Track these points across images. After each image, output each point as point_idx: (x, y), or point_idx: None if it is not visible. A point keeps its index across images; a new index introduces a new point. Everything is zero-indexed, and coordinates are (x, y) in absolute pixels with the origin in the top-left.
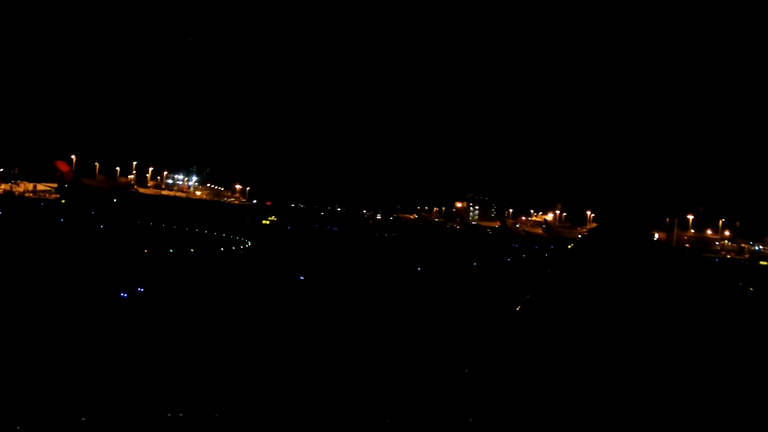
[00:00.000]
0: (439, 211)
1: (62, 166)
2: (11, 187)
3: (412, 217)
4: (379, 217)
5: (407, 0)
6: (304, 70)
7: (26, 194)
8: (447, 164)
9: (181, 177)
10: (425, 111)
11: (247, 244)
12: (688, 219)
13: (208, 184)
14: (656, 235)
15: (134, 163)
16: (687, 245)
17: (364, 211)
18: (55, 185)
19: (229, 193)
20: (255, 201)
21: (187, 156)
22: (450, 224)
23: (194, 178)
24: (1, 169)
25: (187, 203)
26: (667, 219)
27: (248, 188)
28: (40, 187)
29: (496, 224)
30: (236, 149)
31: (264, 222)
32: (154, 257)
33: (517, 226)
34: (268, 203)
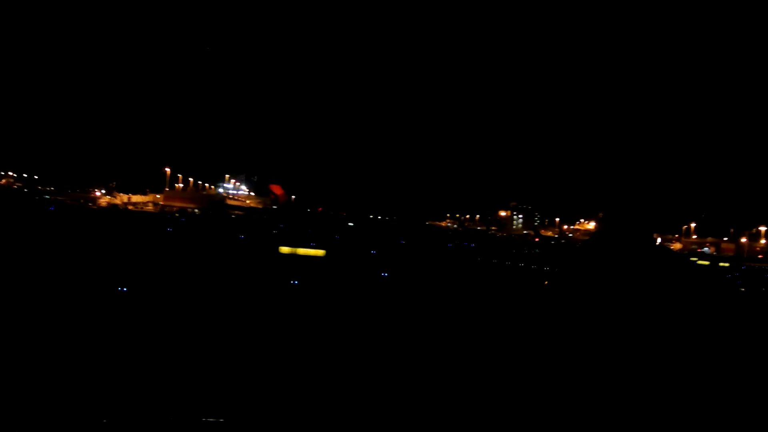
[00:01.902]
0: (471, 218)
1: (277, 190)
2: (110, 200)
3: (444, 224)
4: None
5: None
6: (333, 79)
7: (128, 206)
8: (480, 171)
9: (230, 186)
10: (454, 116)
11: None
12: (761, 230)
13: (251, 193)
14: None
15: (227, 176)
16: (760, 256)
17: (428, 222)
18: (150, 197)
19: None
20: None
21: (229, 165)
22: (499, 233)
23: (243, 188)
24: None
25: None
26: (732, 230)
27: (293, 196)
28: (135, 198)
29: (550, 233)
30: (276, 157)
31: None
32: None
33: (570, 235)
34: (320, 209)
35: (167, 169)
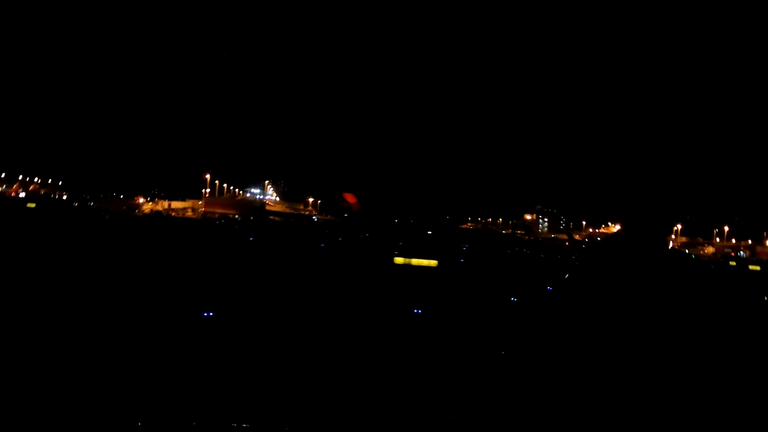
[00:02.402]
0: (493, 222)
1: (350, 198)
2: (153, 207)
3: (467, 227)
4: None
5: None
6: (357, 86)
7: (171, 213)
8: (502, 175)
9: (257, 191)
10: (479, 120)
11: None
12: None
13: (277, 198)
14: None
15: (266, 182)
16: None
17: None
18: (190, 203)
19: (301, 206)
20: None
21: (256, 170)
22: (526, 236)
23: (270, 192)
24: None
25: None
26: (765, 233)
27: (319, 201)
28: (175, 204)
29: (577, 237)
30: (302, 161)
31: None
32: None
33: (598, 238)
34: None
35: (207, 176)
